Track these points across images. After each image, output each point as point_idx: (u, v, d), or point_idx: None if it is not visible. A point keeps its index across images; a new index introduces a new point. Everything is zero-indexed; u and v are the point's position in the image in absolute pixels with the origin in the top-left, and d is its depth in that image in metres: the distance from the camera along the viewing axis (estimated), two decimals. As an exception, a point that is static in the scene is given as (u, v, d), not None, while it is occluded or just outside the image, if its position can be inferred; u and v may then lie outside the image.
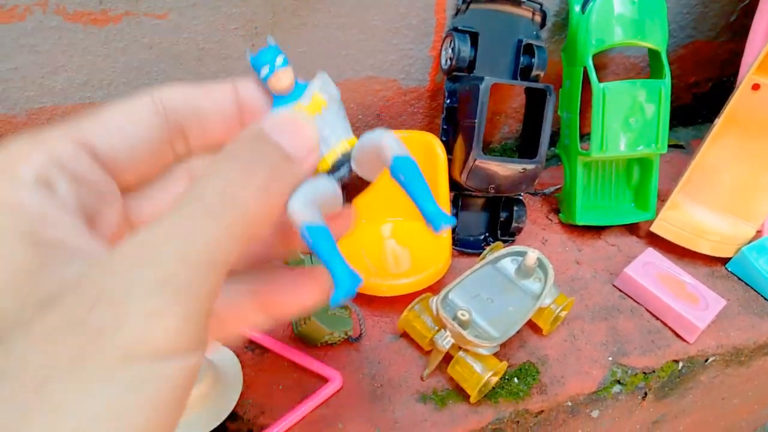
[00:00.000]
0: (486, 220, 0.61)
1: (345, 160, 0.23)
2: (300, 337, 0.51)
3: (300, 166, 0.21)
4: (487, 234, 0.61)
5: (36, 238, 0.17)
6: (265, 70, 0.23)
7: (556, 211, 0.66)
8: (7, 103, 0.47)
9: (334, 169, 0.23)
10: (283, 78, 0.22)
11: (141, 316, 0.16)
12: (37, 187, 0.18)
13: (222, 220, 0.18)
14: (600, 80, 0.57)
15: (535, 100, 0.59)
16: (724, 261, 0.63)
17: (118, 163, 0.21)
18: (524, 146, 0.62)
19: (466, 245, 0.60)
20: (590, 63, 0.57)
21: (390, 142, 0.22)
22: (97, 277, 0.17)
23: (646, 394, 0.58)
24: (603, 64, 0.69)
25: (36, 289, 0.16)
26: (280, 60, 0.22)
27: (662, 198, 0.64)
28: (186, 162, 0.24)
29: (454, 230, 0.58)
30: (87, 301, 0.16)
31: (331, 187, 0.23)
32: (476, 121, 0.51)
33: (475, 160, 0.52)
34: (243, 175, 0.19)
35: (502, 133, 0.70)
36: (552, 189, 0.66)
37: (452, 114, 0.57)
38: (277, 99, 0.23)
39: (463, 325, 0.47)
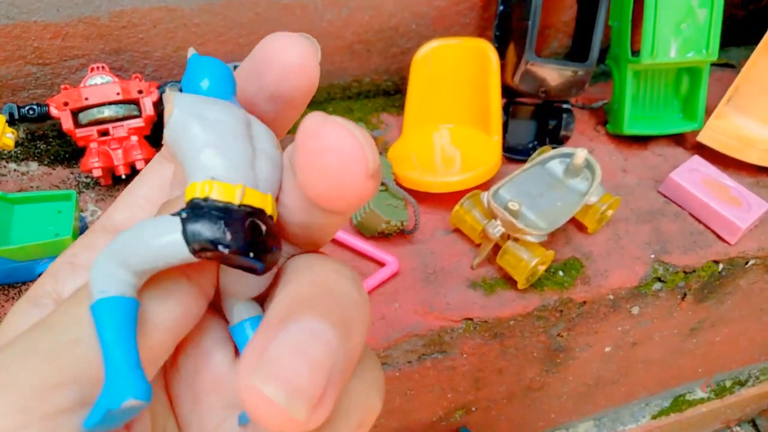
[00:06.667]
0: (535, 128, 0.63)
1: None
2: (358, 227, 0.55)
3: None
4: (536, 142, 0.63)
5: None
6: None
7: (603, 124, 0.68)
8: (92, 5, 0.51)
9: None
10: None
11: None
12: None
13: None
14: (653, -13, 0.57)
15: (587, 8, 0.60)
16: (770, 172, 0.64)
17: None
18: (574, 54, 0.64)
19: (515, 152, 0.62)
20: (644, -33, 0.57)
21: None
22: None
23: (685, 294, 0.60)
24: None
25: None
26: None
27: (710, 113, 0.64)
28: None
29: (504, 137, 0.61)
30: None
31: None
32: (529, 22, 0.53)
33: (527, 62, 0.54)
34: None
35: (552, 48, 0.71)
36: (599, 103, 0.67)
37: (505, 20, 0.59)
38: None
39: (513, 214, 0.50)
